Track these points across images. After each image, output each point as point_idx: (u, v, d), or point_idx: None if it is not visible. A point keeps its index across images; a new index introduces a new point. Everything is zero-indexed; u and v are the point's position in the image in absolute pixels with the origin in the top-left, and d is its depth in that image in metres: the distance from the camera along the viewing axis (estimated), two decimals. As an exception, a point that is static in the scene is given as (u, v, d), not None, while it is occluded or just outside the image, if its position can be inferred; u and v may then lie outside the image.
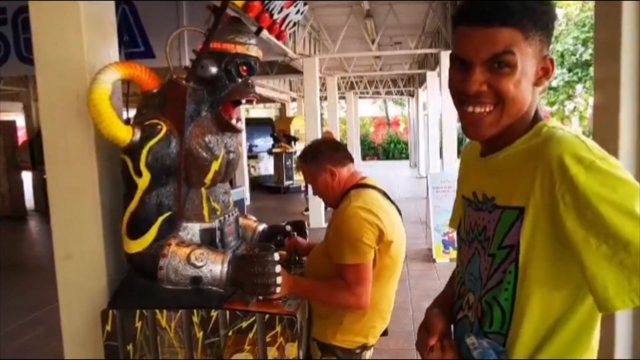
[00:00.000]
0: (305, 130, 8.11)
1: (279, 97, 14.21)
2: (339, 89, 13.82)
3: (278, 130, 12.64)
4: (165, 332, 1.52)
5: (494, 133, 0.84)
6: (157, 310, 1.52)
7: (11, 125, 10.10)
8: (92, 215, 1.67)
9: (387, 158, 22.72)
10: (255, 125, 14.10)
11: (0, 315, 4.07)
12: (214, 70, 1.63)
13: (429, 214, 5.47)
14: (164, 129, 1.54)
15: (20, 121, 10.83)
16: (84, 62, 1.64)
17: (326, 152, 1.79)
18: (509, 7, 0.76)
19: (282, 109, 16.52)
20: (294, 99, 15.52)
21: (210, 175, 1.64)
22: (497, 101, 0.81)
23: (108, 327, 1.54)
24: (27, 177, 9.97)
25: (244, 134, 10.18)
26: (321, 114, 16.73)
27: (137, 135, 1.50)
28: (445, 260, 5.19)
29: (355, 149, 15.18)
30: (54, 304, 1.72)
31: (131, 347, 1.53)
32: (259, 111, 18.96)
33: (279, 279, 1.48)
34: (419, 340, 1.00)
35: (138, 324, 1.53)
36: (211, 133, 1.64)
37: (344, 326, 1.66)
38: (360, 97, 17.17)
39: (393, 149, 23.16)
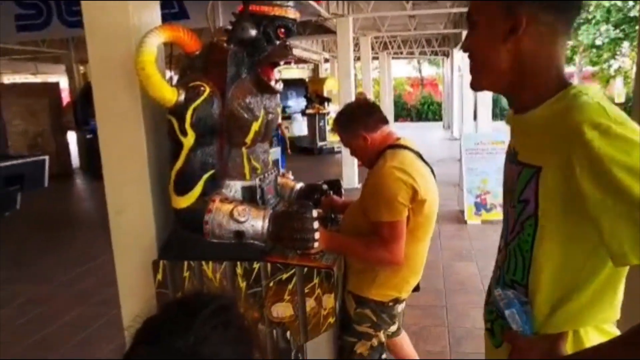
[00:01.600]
0: (338, 92, 8.05)
1: (312, 57, 14.06)
2: (373, 49, 13.51)
3: (311, 91, 12.57)
4: (211, 282, 1.63)
5: (484, 87, 0.95)
6: (203, 262, 1.63)
7: (55, 87, 10.46)
8: (140, 172, 1.77)
9: (420, 119, 22.31)
10: (288, 86, 14.01)
11: (57, 266, 4.40)
12: (253, 32, 1.66)
13: (461, 176, 5.44)
14: (207, 91, 1.60)
15: (63, 83, 11.19)
16: (130, 26, 1.70)
17: (359, 118, 1.82)
18: None
19: (315, 69, 16.35)
20: (327, 60, 15.32)
21: (250, 136, 1.71)
22: (471, 59, 0.94)
23: (159, 276, 1.67)
24: (71, 137, 10.38)
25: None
26: (354, 75, 16.51)
27: (182, 97, 1.56)
28: (477, 222, 5.18)
29: (387, 111, 14.95)
30: (104, 256, 1.87)
31: (181, 294, 1.66)
32: (292, 72, 18.82)
33: (316, 235, 1.56)
34: None
35: (186, 274, 1.65)
36: (251, 94, 1.69)
37: (378, 280, 1.74)
38: (393, 58, 16.74)
39: (426, 111, 22.68)
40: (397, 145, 1.75)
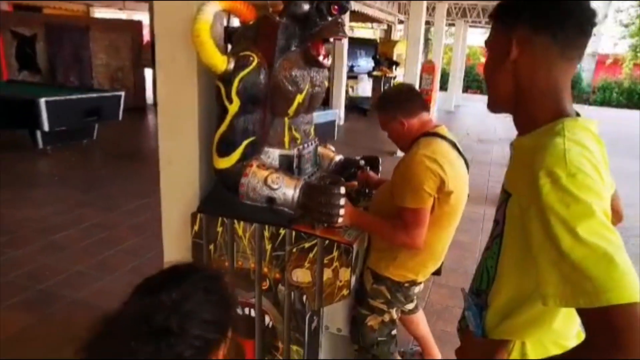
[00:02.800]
0: (405, 56, 7.83)
1: (386, 18, 13.62)
2: (449, 15, 12.84)
3: (380, 52, 12.30)
4: (240, 239, 1.78)
5: (495, 108, 1.01)
6: (235, 221, 1.77)
7: (138, 25, 10.94)
8: (191, 129, 1.91)
9: (492, 93, 21.21)
10: (358, 46, 13.76)
11: (120, 196, 4.82)
12: (306, 7, 1.70)
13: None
14: (255, 61, 1.68)
15: (145, 20, 11.65)
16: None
17: (398, 103, 1.83)
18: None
19: (388, 30, 15.85)
20: (401, 22, 14.78)
21: (293, 107, 1.78)
22: (486, 81, 1.01)
23: (196, 227, 1.83)
24: (148, 74, 10.94)
25: (345, 53, 10.06)
26: (427, 39, 15.82)
27: (231, 65, 1.65)
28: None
29: (456, 80, 14.37)
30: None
31: (212, 246, 1.82)
32: (364, 31, 18.36)
33: (342, 211, 1.64)
34: None
35: (219, 229, 1.80)
36: (298, 67, 1.74)
37: (398, 261, 1.80)
38: (470, 26, 15.80)
39: (499, 84, 21.48)
40: (433, 134, 1.75)
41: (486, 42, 0.99)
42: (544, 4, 0.88)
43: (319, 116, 5.07)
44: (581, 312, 0.73)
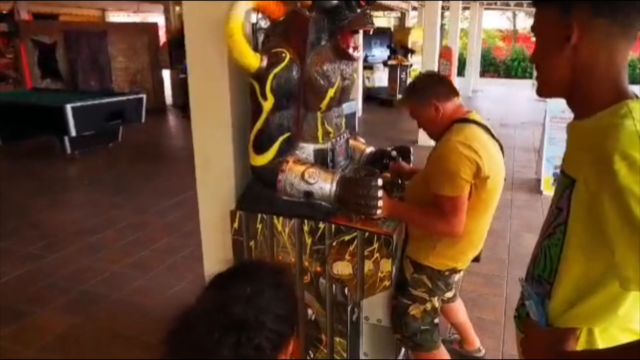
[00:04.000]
0: (423, 42, 7.74)
1: (399, 5, 13.47)
2: (465, -2, 12.63)
3: (395, 41, 12.15)
4: (280, 235, 1.80)
5: (547, 94, 0.99)
6: (274, 216, 1.79)
7: (154, 27, 11.06)
8: (224, 127, 1.93)
9: (509, 76, 20.81)
10: (373, 35, 13.65)
11: (150, 197, 4.91)
12: (335, 1, 1.71)
13: (542, 144, 5.14)
14: (288, 57, 1.69)
15: (160, 22, 11.78)
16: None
17: (432, 87, 1.82)
18: None
19: (402, 18, 15.68)
20: (414, 8, 14.60)
21: (326, 101, 1.79)
22: (537, 67, 0.98)
23: (235, 225, 1.87)
24: (166, 75, 11.06)
25: (360, 44, 9.96)
26: (442, 25, 15.58)
27: (264, 62, 1.67)
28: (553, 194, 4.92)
29: (473, 65, 14.13)
30: (191, 192, 2.09)
31: (253, 243, 1.85)
32: (377, 20, 18.19)
33: (380, 202, 1.65)
34: None
35: (259, 226, 1.83)
36: (329, 61, 1.75)
37: (437, 250, 1.80)
38: (486, 9, 15.49)
39: (516, 67, 21.01)
40: (465, 120, 1.75)
41: (534, 28, 0.97)
42: None
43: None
44: None
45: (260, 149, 1.78)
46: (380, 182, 1.67)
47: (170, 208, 4.55)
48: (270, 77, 1.68)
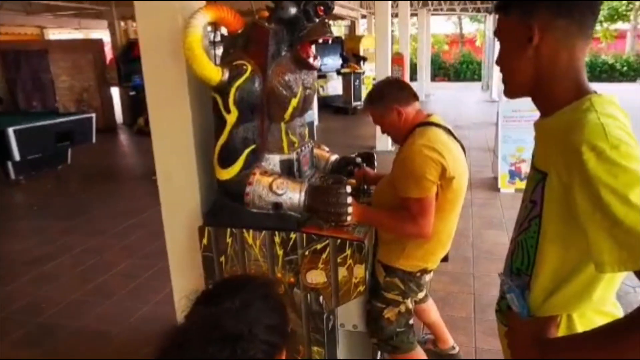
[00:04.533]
0: (375, 50, 7.89)
1: (349, 14, 13.71)
2: (411, 5, 13.02)
3: (347, 49, 12.35)
4: (251, 248, 1.78)
5: (515, 94, 1.03)
6: (244, 230, 1.77)
7: (99, 43, 10.70)
8: (186, 142, 1.90)
9: (459, 79, 21.61)
10: (324, 44, 13.75)
11: (106, 219, 4.72)
12: (293, 11, 1.71)
13: (497, 143, 5.36)
14: (249, 69, 1.68)
15: (105, 38, 11.42)
16: (175, 4, 1.78)
17: (392, 93, 1.86)
18: (498, 1, 1.01)
19: (352, 26, 15.95)
20: (364, 16, 14.90)
21: (289, 111, 1.79)
22: (502, 69, 1.02)
23: (204, 241, 1.82)
24: (115, 92, 10.71)
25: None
26: (392, 31, 15.99)
27: (226, 75, 1.65)
28: (510, 191, 5.12)
29: (424, 69, 14.56)
30: (150, 210, 2.04)
31: (223, 258, 1.81)
32: (327, 28, 18.42)
33: (350, 209, 1.66)
34: None
35: (229, 240, 1.79)
36: (290, 72, 1.76)
37: (407, 252, 1.83)
38: (433, 14, 16.05)
39: (465, 70, 21.87)
40: (427, 123, 1.79)
41: (497, 33, 1.01)
42: None
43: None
44: None
45: (226, 162, 1.75)
46: (349, 189, 1.68)
47: (129, 229, 4.38)
48: (233, 90, 1.66)
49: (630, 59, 19.05)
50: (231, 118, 1.70)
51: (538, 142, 1.03)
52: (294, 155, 1.86)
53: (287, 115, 1.80)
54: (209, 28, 1.88)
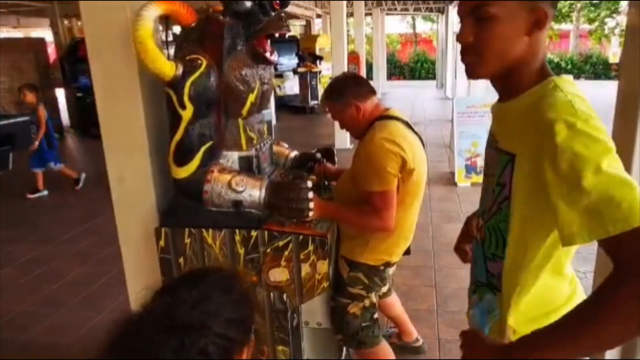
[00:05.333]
0: (331, 49, 7.93)
1: (304, 13, 13.70)
2: (366, 5, 13.17)
3: (303, 48, 12.34)
4: (211, 248, 1.72)
5: (489, 75, 0.97)
6: (203, 229, 1.71)
7: (41, 43, 10.14)
8: (140, 141, 1.82)
9: (414, 78, 22.07)
10: (280, 44, 13.74)
11: (54, 226, 4.48)
12: (248, 4, 1.67)
13: (452, 139, 5.50)
14: (204, 63, 1.63)
15: (48, 37, 10.85)
16: (124, -5, 1.69)
17: (350, 88, 1.86)
18: None
19: (307, 26, 15.97)
20: (319, 16, 14.94)
21: (247, 107, 1.75)
22: (483, 50, 0.93)
23: (162, 243, 1.75)
24: (60, 94, 10.19)
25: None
26: (347, 31, 16.15)
27: (180, 70, 1.59)
28: (467, 185, 5.27)
29: (380, 69, 14.78)
30: (102, 216, 1.94)
31: (182, 259, 1.75)
32: (282, 28, 18.36)
33: (311, 204, 1.64)
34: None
35: (187, 240, 1.73)
36: (247, 66, 1.72)
37: (371, 246, 1.83)
38: (387, 14, 16.32)
39: (420, 69, 22.38)
40: (386, 116, 1.80)
41: (491, 15, 0.90)
42: None
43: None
44: (609, 243, 0.75)
45: (182, 160, 1.69)
46: (309, 184, 1.66)
47: (80, 236, 4.18)
48: (188, 85, 1.60)
49: (574, 57, 20.09)
50: (186, 114, 1.64)
51: (501, 124, 1.02)
52: (252, 152, 1.81)
53: (244, 111, 1.76)
54: (161, 28, 1.81)
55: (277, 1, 1.71)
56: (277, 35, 1.79)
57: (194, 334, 0.68)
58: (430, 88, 16.81)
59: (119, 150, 1.86)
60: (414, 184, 1.77)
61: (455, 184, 5.35)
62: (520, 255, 0.97)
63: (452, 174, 5.50)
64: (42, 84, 9.64)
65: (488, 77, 0.99)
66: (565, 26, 21.44)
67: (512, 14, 0.90)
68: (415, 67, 22.53)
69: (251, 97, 1.74)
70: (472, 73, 0.98)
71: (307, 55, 11.87)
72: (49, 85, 9.88)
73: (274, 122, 9.70)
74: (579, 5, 16.68)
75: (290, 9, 12.18)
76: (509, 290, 1.00)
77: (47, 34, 11.21)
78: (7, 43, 10.06)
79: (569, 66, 19.91)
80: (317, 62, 11.84)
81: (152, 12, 1.54)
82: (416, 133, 1.87)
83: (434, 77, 19.20)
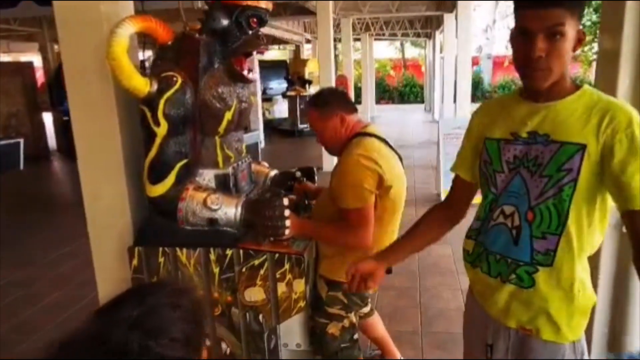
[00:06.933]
0: (319, 72, 8.01)
1: (293, 38, 13.91)
2: (354, 30, 13.40)
3: (292, 72, 12.46)
4: (185, 267, 1.68)
5: (552, 81, 1.12)
6: (177, 249, 1.68)
7: (29, 66, 10.15)
8: (115, 159, 1.80)
9: (403, 102, 22.34)
10: (270, 68, 13.90)
11: (35, 249, 4.38)
12: (225, 22, 1.68)
13: (439, 160, 5.52)
14: (179, 81, 1.62)
15: (37, 62, 10.87)
16: (100, 13, 1.70)
17: (337, 99, 1.87)
18: None
19: (297, 51, 16.18)
20: (308, 41, 15.15)
21: (223, 125, 1.74)
22: (552, 63, 1.09)
23: (135, 262, 1.71)
24: (47, 118, 10.14)
25: (257, 77, 10.08)
26: (336, 56, 16.40)
27: (154, 87, 1.59)
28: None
29: (369, 92, 14.93)
30: (84, 238, 1.89)
31: (156, 279, 1.70)
32: (273, 52, 18.63)
33: (287, 222, 1.62)
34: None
35: (161, 260, 1.69)
36: (224, 84, 1.72)
37: (349, 264, 1.80)
38: (376, 39, 16.61)
39: (408, 93, 22.67)
40: (364, 133, 1.80)
41: (559, 31, 1.06)
42: None
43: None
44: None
45: (156, 178, 1.66)
46: (286, 201, 1.64)
47: (62, 258, 4.09)
48: (162, 101, 1.60)
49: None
50: (161, 131, 1.62)
51: (556, 120, 1.13)
52: (229, 170, 1.80)
53: (221, 129, 1.75)
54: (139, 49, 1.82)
55: (254, 19, 1.73)
56: (255, 53, 1.80)
57: (131, 356, 0.62)
58: (419, 112, 17.01)
59: (94, 168, 1.84)
60: (392, 201, 1.76)
61: (441, 205, 5.32)
62: (579, 231, 1.12)
63: (439, 195, 5.50)
64: (29, 108, 9.62)
65: (551, 83, 1.13)
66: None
67: (572, 33, 1.08)
68: (404, 91, 22.84)
69: (228, 115, 1.74)
70: (543, 83, 1.11)
71: (297, 79, 11.98)
72: (37, 109, 9.84)
73: (262, 144, 9.74)
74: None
75: (280, 33, 12.37)
76: (561, 261, 1.13)
77: (36, 59, 11.24)
78: (-9, 67, 10.05)
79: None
80: (306, 86, 11.94)
81: (127, 30, 1.54)
82: (395, 150, 1.87)
83: (422, 101, 19.46)
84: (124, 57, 1.52)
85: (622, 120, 1.06)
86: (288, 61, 15.01)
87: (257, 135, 6.04)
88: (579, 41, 1.10)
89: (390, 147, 1.85)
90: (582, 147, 1.09)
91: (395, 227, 1.88)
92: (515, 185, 1.18)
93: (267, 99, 13.19)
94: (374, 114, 15.12)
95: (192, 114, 1.67)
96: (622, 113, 1.07)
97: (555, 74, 1.10)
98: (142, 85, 1.55)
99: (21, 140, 6.41)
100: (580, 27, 1.10)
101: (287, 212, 1.62)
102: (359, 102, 14.32)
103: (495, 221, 1.22)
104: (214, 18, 1.68)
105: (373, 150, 1.72)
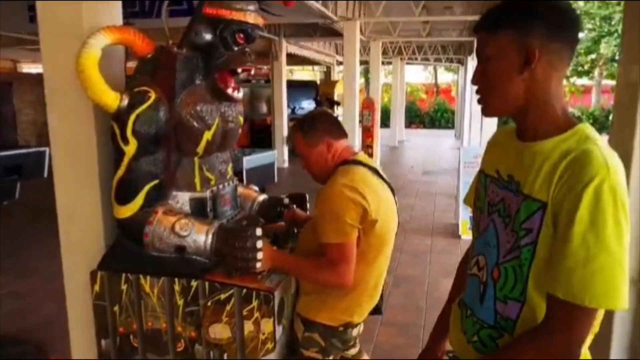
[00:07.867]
0: (343, 96, 7.94)
1: (325, 59, 13.99)
2: (386, 53, 13.35)
3: (322, 93, 12.51)
4: (148, 297, 1.56)
5: (498, 113, 1.01)
6: (141, 276, 1.55)
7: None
8: (90, 177, 1.71)
9: (434, 127, 22.06)
10: (299, 88, 13.97)
11: (41, 259, 4.38)
12: (208, 37, 1.59)
13: (458, 189, 5.29)
14: (153, 97, 1.53)
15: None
16: (82, 25, 1.63)
17: (326, 124, 1.73)
18: (483, 19, 0.99)
19: (328, 72, 16.27)
20: (340, 62, 15.22)
21: (202, 145, 1.63)
22: (484, 89, 1.00)
23: (97, 287, 1.60)
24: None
25: (284, 96, 10.09)
26: (367, 78, 16.38)
27: (125, 102, 1.49)
28: (470, 237, 5.00)
29: (399, 116, 14.80)
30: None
31: (117, 308, 1.59)
32: (304, 72, 18.80)
33: (259, 254, 1.47)
34: None
35: (124, 287, 1.58)
36: (204, 102, 1.61)
37: (328, 303, 1.64)
38: (408, 63, 16.51)
39: (440, 118, 22.40)
40: (351, 161, 1.65)
41: (480, 53, 0.98)
42: (558, 9, 0.92)
43: (257, 159, 4.93)
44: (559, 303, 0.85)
45: (124, 199, 1.56)
46: (259, 231, 1.50)
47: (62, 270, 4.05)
48: (132, 118, 1.50)
49: (596, 112, 19.87)
50: (129, 149, 1.52)
51: (523, 166, 0.96)
52: (207, 194, 1.68)
53: (200, 149, 1.64)
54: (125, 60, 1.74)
55: (241, 35, 1.62)
56: (239, 70, 1.69)
57: None
58: (449, 137, 16.71)
59: (70, 183, 1.76)
60: (378, 237, 1.59)
61: (459, 237, 5.08)
62: (540, 302, 0.93)
63: (457, 225, 5.25)
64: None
65: (499, 115, 1.03)
66: (587, 81, 21.36)
67: (502, 54, 0.94)
68: (436, 116, 22.58)
69: (207, 135, 1.63)
70: (483, 112, 1.02)
71: (325, 100, 12.01)
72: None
73: (285, 164, 9.69)
74: (601, 61, 16.66)
75: (312, 55, 12.44)
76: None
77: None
78: (33, 77, 10.50)
79: (591, 120, 19.67)
80: (335, 107, 11.93)
81: (100, 41, 1.46)
82: (386, 181, 1.71)
83: (453, 127, 19.15)
84: (94, 70, 1.44)
85: (581, 178, 0.84)
86: (318, 82, 15.07)
87: (273, 155, 5.93)
88: (527, 62, 0.92)
89: (382, 177, 1.70)
90: (543, 206, 0.90)
91: (384, 266, 1.71)
92: (489, 234, 1.05)
93: (296, 118, 13.19)
94: (402, 138, 14.93)
95: (166, 133, 1.56)
96: (589, 167, 0.85)
97: (492, 101, 0.99)
98: (111, 99, 1.46)
99: (47, 149, 6.52)
100: (529, 44, 0.92)
101: (259, 244, 1.48)
102: (387, 126, 14.18)
103: (471, 271, 1.09)
104: (195, 32, 1.58)
105: (359, 181, 1.56)
